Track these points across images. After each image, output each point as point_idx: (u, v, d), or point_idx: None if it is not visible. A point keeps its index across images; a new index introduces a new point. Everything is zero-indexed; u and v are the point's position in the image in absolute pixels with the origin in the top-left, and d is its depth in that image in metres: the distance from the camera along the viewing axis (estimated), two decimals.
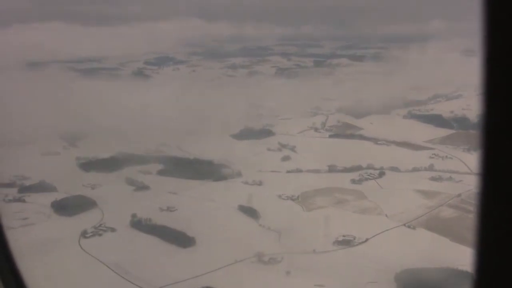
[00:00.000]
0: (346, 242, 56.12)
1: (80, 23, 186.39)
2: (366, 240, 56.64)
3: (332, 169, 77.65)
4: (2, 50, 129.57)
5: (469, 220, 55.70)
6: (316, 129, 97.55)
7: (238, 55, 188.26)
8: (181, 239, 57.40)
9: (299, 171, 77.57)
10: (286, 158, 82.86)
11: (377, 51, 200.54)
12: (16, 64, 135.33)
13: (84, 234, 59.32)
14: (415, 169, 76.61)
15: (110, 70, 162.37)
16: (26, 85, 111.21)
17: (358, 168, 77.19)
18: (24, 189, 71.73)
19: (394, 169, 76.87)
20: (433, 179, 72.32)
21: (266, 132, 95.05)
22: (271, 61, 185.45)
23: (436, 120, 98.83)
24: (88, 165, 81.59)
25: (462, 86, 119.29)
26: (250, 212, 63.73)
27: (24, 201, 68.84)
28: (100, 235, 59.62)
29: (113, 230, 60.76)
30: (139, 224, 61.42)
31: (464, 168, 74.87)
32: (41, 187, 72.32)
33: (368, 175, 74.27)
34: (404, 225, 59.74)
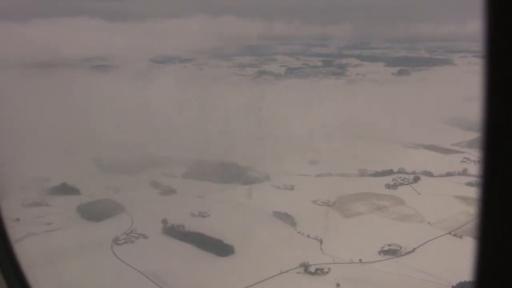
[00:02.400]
0: (392, 252, 53.69)
1: (86, 20, 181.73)
2: (413, 249, 54.27)
3: (362, 173, 75.45)
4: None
5: None
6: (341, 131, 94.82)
7: (244, 54, 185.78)
8: (219, 247, 54.78)
9: (328, 174, 75.02)
10: (313, 161, 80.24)
11: (384, 51, 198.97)
12: (19, 63, 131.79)
13: (116, 241, 56.47)
14: (448, 174, 74.42)
15: (115, 68, 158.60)
16: (36, 84, 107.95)
17: (390, 172, 74.96)
18: (45, 192, 68.55)
19: (427, 173, 74.67)
20: (470, 184, 70.03)
21: (288, 133, 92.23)
22: (278, 60, 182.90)
23: (461, 123, 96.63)
24: (109, 167, 78.63)
25: (476, 88, 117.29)
26: (286, 218, 61.18)
27: (47, 204, 65.78)
28: (132, 242, 57.00)
29: (145, 237, 58.12)
30: (172, 231, 58.78)
31: None
32: (63, 190, 69.37)
33: (402, 180, 71.87)
34: (450, 233, 57.34)
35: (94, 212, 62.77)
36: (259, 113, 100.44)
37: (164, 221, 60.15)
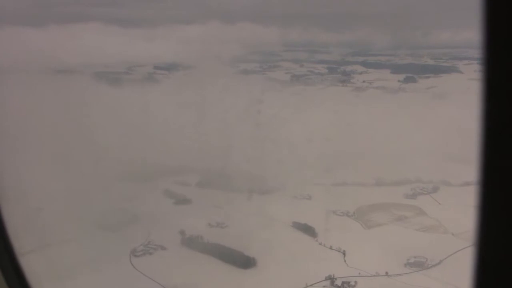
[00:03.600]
0: (419, 264, 52.51)
1: (99, 26, 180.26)
2: (440, 261, 53.05)
3: (379, 182, 74.10)
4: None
5: None
6: (353, 139, 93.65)
7: (247, 60, 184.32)
8: (240, 259, 53.53)
9: (344, 184, 73.78)
10: (328, 170, 78.90)
11: (388, 58, 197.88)
12: (20, 69, 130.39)
13: (134, 252, 55.13)
14: (466, 183, 73.03)
15: (119, 75, 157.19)
16: (44, 90, 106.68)
17: (407, 181, 73.74)
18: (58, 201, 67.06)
19: (446, 183, 73.53)
20: None
21: (300, 141, 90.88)
22: (282, 67, 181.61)
23: (475, 130, 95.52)
24: (119, 175, 77.17)
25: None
26: (306, 229, 59.96)
27: (60, 213, 64.28)
28: (150, 253, 55.56)
29: (163, 248, 56.77)
30: (190, 242, 57.39)
31: None
32: (76, 199, 67.79)
33: (421, 189, 70.69)
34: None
35: (110, 222, 61.25)
36: (269, 120, 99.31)
37: (182, 232, 58.92)
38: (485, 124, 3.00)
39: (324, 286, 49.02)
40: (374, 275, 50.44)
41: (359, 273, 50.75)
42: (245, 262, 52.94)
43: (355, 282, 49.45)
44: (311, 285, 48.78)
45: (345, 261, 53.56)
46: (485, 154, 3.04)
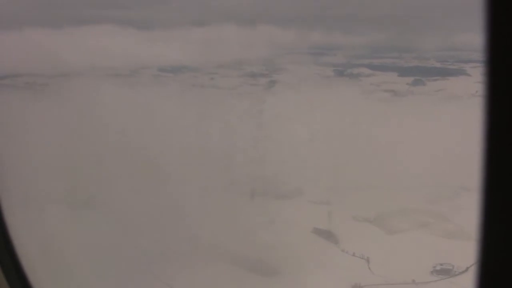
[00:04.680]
0: (445, 272, 51.13)
1: (113, 28, 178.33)
2: (467, 269, 51.48)
3: (397, 186, 72.46)
4: None
5: None
6: (366, 142, 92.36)
7: (253, 63, 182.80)
8: (262, 267, 51.91)
9: (361, 188, 72.28)
10: (344, 174, 77.41)
11: (394, 60, 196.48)
12: (24, 71, 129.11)
13: (151, 258, 53.56)
14: None
15: (124, 77, 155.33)
16: (44, 91, 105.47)
17: (426, 185, 72.41)
18: (71, 207, 65.79)
19: (464, 188, 71.73)
20: None
21: (313, 145, 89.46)
22: (289, 70, 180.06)
23: None
24: (128, 179, 75.64)
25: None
26: (327, 235, 58.42)
27: (72, 219, 62.95)
28: (170, 260, 53.96)
29: (181, 254, 55.14)
30: (209, 249, 55.81)
31: None
32: (86, 205, 66.52)
33: (441, 194, 69.22)
34: None
35: (122, 226, 59.87)
36: (277, 124, 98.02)
37: (199, 239, 57.37)
38: (488, 126, 2.91)
39: None
40: (401, 283, 48.83)
41: (385, 281, 49.09)
42: (267, 270, 51.39)
43: None
44: None
45: (369, 268, 52.01)
46: (487, 156, 2.97)
